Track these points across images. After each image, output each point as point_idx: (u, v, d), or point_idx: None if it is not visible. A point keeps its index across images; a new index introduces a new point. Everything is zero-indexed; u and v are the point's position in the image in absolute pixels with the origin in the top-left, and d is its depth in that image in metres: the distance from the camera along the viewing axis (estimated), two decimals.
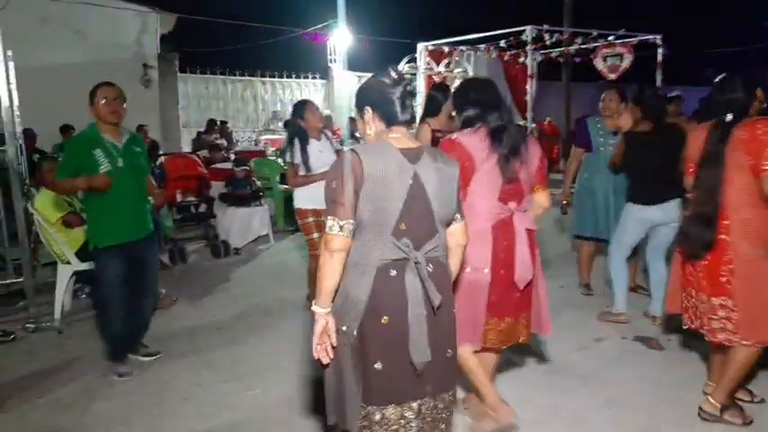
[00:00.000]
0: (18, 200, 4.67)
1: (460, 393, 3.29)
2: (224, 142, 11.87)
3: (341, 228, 1.93)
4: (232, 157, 10.02)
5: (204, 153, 9.51)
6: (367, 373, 1.99)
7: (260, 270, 6.47)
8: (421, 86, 10.76)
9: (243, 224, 7.32)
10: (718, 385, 3.01)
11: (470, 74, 10.83)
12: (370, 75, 2.24)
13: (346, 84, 16.16)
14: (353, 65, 16.59)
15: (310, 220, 4.35)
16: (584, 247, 5.19)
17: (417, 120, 4.82)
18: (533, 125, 10.25)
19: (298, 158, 4.42)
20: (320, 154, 4.41)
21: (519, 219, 2.75)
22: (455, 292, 2.76)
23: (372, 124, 2.12)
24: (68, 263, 4.70)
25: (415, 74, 10.95)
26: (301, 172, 4.41)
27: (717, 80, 3.04)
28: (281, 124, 14.72)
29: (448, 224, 2.13)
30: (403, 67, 10.97)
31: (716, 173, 2.85)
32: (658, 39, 9.70)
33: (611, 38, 9.96)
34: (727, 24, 21.90)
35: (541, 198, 2.91)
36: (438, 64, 11.03)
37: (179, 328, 4.63)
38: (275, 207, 8.35)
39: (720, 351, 3.07)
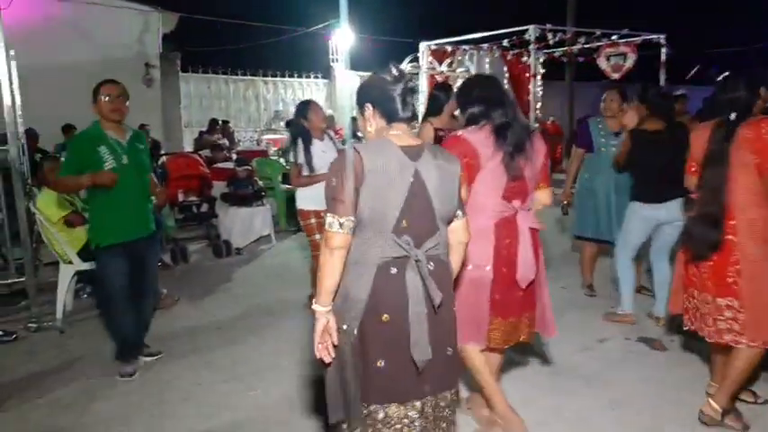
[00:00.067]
0: (20, 200, 4.67)
1: (464, 393, 3.29)
2: (226, 142, 11.88)
3: (341, 225, 1.92)
4: (234, 156, 10.02)
5: (206, 153, 9.51)
6: (369, 371, 1.98)
7: (261, 270, 6.46)
8: (423, 86, 10.75)
9: (245, 224, 7.31)
10: (720, 388, 2.98)
11: (473, 73, 10.81)
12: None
13: (348, 83, 16.14)
14: (356, 64, 16.56)
15: (313, 221, 4.34)
16: (587, 248, 5.17)
17: (420, 118, 4.81)
18: (537, 125, 10.22)
19: (301, 159, 4.41)
20: (323, 154, 4.40)
21: (523, 217, 2.73)
22: (457, 290, 2.75)
23: (373, 121, 2.11)
24: (70, 262, 4.70)
25: (417, 73, 10.93)
26: (305, 172, 4.40)
27: (720, 79, 3.02)
28: (282, 124, 14.75)
29: (449, 222, 2.12)
30: (406, 66, 10.96)
31: (720, 172, 2.82)
32: (662, 38, 9.66)
33: (614, 37, 9.92)
34: (730, 24, 21.87)
35: (543, 195, 2.88)
36: (440, 63, 11.01)
37: (180, 327, 4.62)
38: (277, 207, 8.35)
39: (723, 352, 3.04)
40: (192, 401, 3.43)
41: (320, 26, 16.18)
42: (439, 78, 10.72)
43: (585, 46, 10.38)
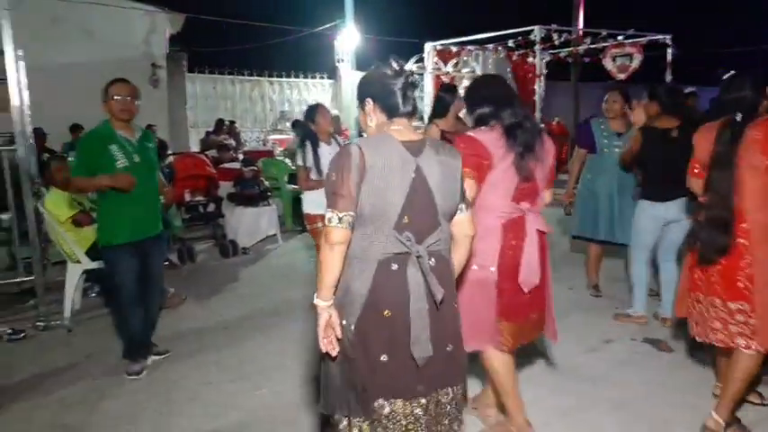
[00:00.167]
0: (28, 199, 4.69)
1: (470, 393, 3.30)
2: (232, 142, 11.92)
3: (340, 220, 1.91)
4: (240, 156, 10.05)
5: (213, 153, 9.55)
6: (372, 366, 1.98)
7: (268, 270, 6.48)
8: (429, 86, 10.75)
9: (251, 224, 7.34)
10: (722, 401, 2.89)
11: (478, 74, 10.81)
12: None
13: (354, 84, 16.12)
14: (361, 65, 16.55)
15: (320, 225, 4.34)
16: (592, 249, 5.16)
17: (425, 118, 4.82)
18: (542, 125, 10.21)
19: (309, 162, 4.44)
20: (331, 158, 4.41)
21: (531, 219, 2.70)
22: (461, 292, 2.74)
23: (373, 116, 2.09)
24: (78, 262, 4.73)
25: (422, 74, 10.94)
26: (313, 176, 4.43)
27: (725, 78, 2.96)
28: (288, 124, 14.77)
29: (451, 217, 2.10)
30: (411, 66, 10.97)
31: (728, 175, 2.75)
32: (668, 38, 9.65)
33: (620, 38, 9.92)
34: (737, 24, 21.77)
35: (545, 194, 2.87)
36: (446, 64, 11.02)
37: (187, 327, 4.64)
38: (283, 207, 8.37)
39: (728, 355, 2.98)
40: (200, 401, 3.45)
41: (326, 26, 16.17)
42: (444, 79, 10.72)
43: (591, 46, 10.38)
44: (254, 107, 16.82)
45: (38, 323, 4.65)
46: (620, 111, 4.77)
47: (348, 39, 14.20)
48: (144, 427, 3.19)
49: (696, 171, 2.98)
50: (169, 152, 9.51)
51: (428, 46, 10.99)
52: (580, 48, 10.57)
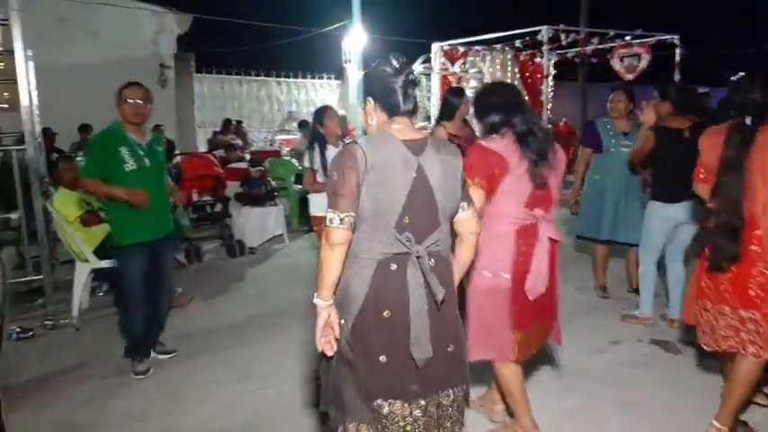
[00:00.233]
0: (37, 198, 4.72)
1: (475, 390, 3.30)
2: (239, 142, 11.93)
3: (341, 220, 1.90)
4: (247, 156, 10.07)
5: (220, 153, 9.56)
6: (371, 366, 1.97)
7: (274, 270, 6.49)
8: (436, 87, 10.75)
9: (258, 224, 7.36)
10: (724, 407, 2.83)
11: (485, 74, 10.79)
12: None
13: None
14: (368, 65, 16.55)
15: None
16: (598, 249, 5.14)
17: (432, 119, 4.82)
18: (549, 126, 10.19)
19: (317, 164, 4.45)
20: None
21: (544, 227, 2.67)
22: (471, 300, 2.72)
23: (374, 115, 2.07)
24: (86, 261, 4.75)
25: (429, 74, 10.94)
26: (319, 178, 4.44)
27: (733, 80, 2.89)
28: (296, 124, 14.79)
29: (452, 217, 2.08)
30: (418, 66, 10.97)
31: (738, 180, 2.65)
32: (676, 39, 9.59)
33: (628, 38, 9.86)
34: (745, 24, 21.65)
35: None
36: (453, 64, 11.00)
37: (194, 326, 4.66)
38: (290, 207, 8.38)
39: (732, 358, 2.91)
40: (207, 400, 3.46)
41: (333, 27, 16.18)
42: (451, 79, 10.72)
43: (599, 46, 10.33)
44: (262, 107, 16.85)
45: (46, 322, 4.67)
46: (625, 110, 4.75)
47: (355, 39, 14.20)
48: (151, 425, 3.20)
49: (702, 176, 2.90)
50: (177, 152, 9.55)
51: (435, 46, 10.98)
52: (588, 48, 10.52)
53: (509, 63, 10.99)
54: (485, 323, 2.69)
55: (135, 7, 12.75)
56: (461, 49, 11.00)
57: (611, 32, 9.94)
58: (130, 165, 3.60)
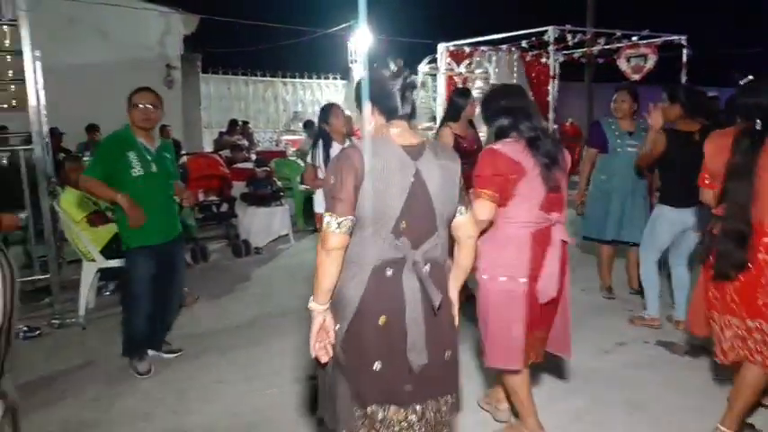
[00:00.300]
0: (44, 198, 4.74)
1: (479, 389, 3.29)
2: (245, 142, 11.96)
3: (338, 225, 1.87)
4: (253, 157, 10.09)
5: (226, 153, 9.59)
6: (366, 372, 1.96)
7: (280, 270, 6.50)
8: (441, 87, 10.74)
9: (263, 224, 7.37)
10: (730, 411, 2.81)
11: (491, 74, 10.77)
12: None
13: None
14: (372, 66, 16.56)
15: None
16: (604, 250, 5.13)
17: (438, 119, 4.83)
18: (555, 126, 10.16)
19: (320, 160, 4.45)
20: None
21: (556, 230, 2.67)
22: (485, 304, 2.70)
23: (372, 119, 2.04)
24: (93, 260, 4.77)
25: (435, 74, 10.93)
26: (320, 174, 4.44)
27: (742, 83, 2.85)
28: (301, 125, 14.82)
29: (449, 222, 2.06)
30: (424, 67, 10.98)
31: (747, 185, 2.59)
32: (683, 39, 9.55)
33: (634, 38, 9.81)
34: (753, 25, 21.55)
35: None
36: (459, 64, 10.99)
37: (200, 326, 4.68)
38: (295, 207, 8.40)
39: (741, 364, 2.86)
40: (212, 399, 3.47)
41: (339, 27, 16.23)
42: (457, 79, 10.71)
43: (605, 47, 10.28)
44: (268, 108, 16.91)
45: (53, 321, 4.70)
46: (629, 110, 4.73)
47: (361, 39, 14.23)
48: (157, 424, 3.21)
49: (707, 182, 2.84)
50: (183, 152, 9.59)
51: (441, 46, 10.96)
52: (594, 48, 10.48)
53: (515, 63, 10.95)
54: (494, 326, 2.68)
55: (142, 8, 12.81)
56: (467, 50, 10.97)
57: (618, 33, 9.90)
58: (137, 170, 3.61)
